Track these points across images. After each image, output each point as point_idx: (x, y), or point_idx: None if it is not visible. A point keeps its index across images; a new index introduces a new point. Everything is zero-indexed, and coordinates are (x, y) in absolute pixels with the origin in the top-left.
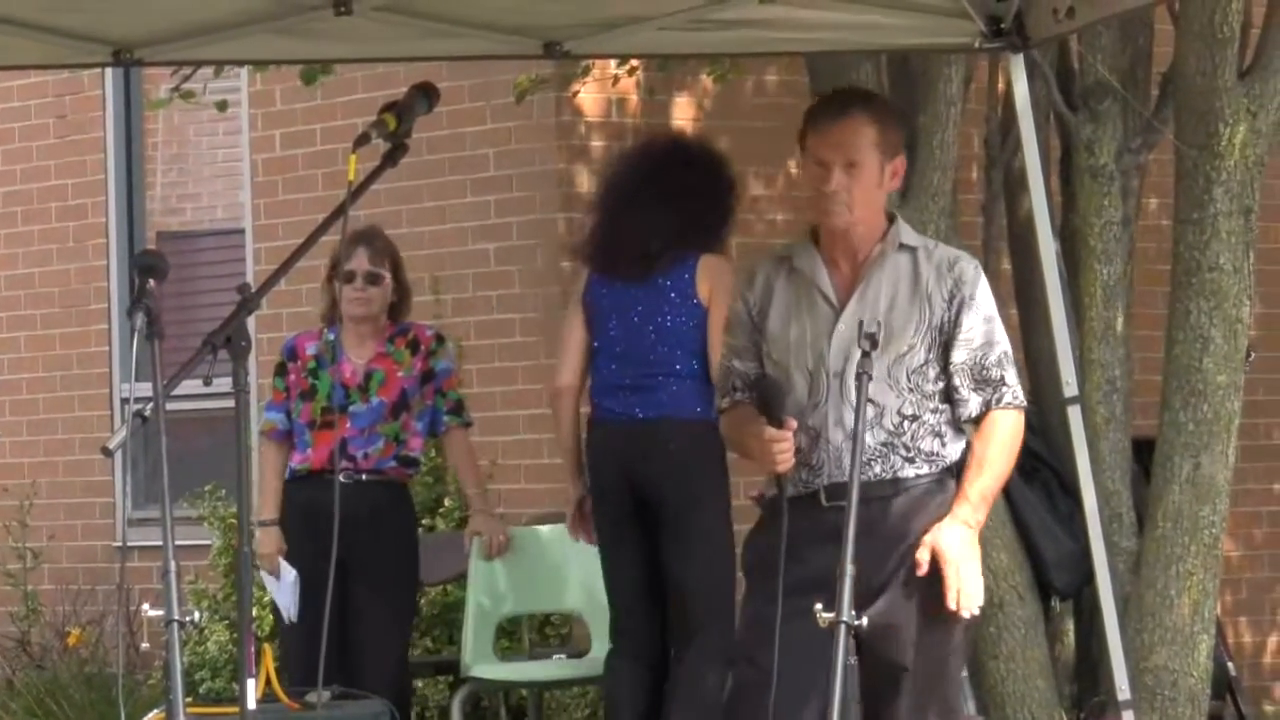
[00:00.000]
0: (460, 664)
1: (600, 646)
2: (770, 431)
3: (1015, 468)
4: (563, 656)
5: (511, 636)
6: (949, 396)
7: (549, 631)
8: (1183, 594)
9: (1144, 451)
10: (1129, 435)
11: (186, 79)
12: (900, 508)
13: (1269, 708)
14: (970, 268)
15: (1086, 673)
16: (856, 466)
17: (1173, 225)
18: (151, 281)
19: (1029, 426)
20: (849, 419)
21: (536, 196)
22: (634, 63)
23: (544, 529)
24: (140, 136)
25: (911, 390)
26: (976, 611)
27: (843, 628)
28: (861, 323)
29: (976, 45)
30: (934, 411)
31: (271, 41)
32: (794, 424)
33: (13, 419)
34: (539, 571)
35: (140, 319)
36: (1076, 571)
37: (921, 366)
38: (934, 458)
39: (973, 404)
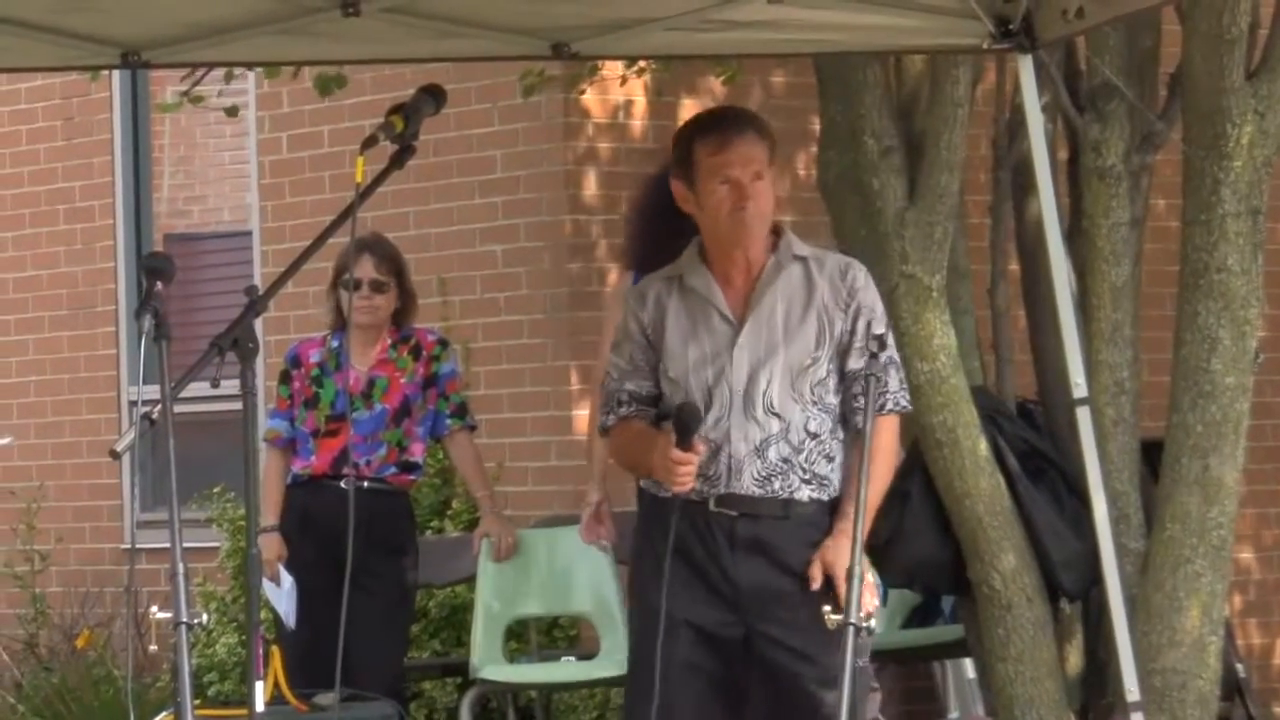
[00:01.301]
0: (469, 666)
1: (609, 648)
2: (677, 454)
3: (1024, 470)
4: (571, 659)
5: (520, 638)
6: (843, 406)
7: (557, 634)
8: (1191, 596)
9: (1152, 453)
10: (1137, 437)
11: (197, 83)
12: (787, 531)
13: (1279, 709)
14: (861, 274)
15: (1095, 675)
16: (864, 466)
17: (1180, 226)
18: (159, 284)
19: (1035, 427)
20: (753, 434)
21: (544, 198)
22: (641, 64)
23: (553, 531)
24: (147, 139)
25: (815, 403)
26: (872, 624)
27: (851, 630)
28: (870, 324)
29: (985, 46)
30: (831, 431)
31: (279, 43)
32: (702, 449)
33: (20, 421)
34: (547, 574)
35: (148, 321)
36: (1084, 571)
37: (824, 379)
38: (824, 483)
39: (880, 406)
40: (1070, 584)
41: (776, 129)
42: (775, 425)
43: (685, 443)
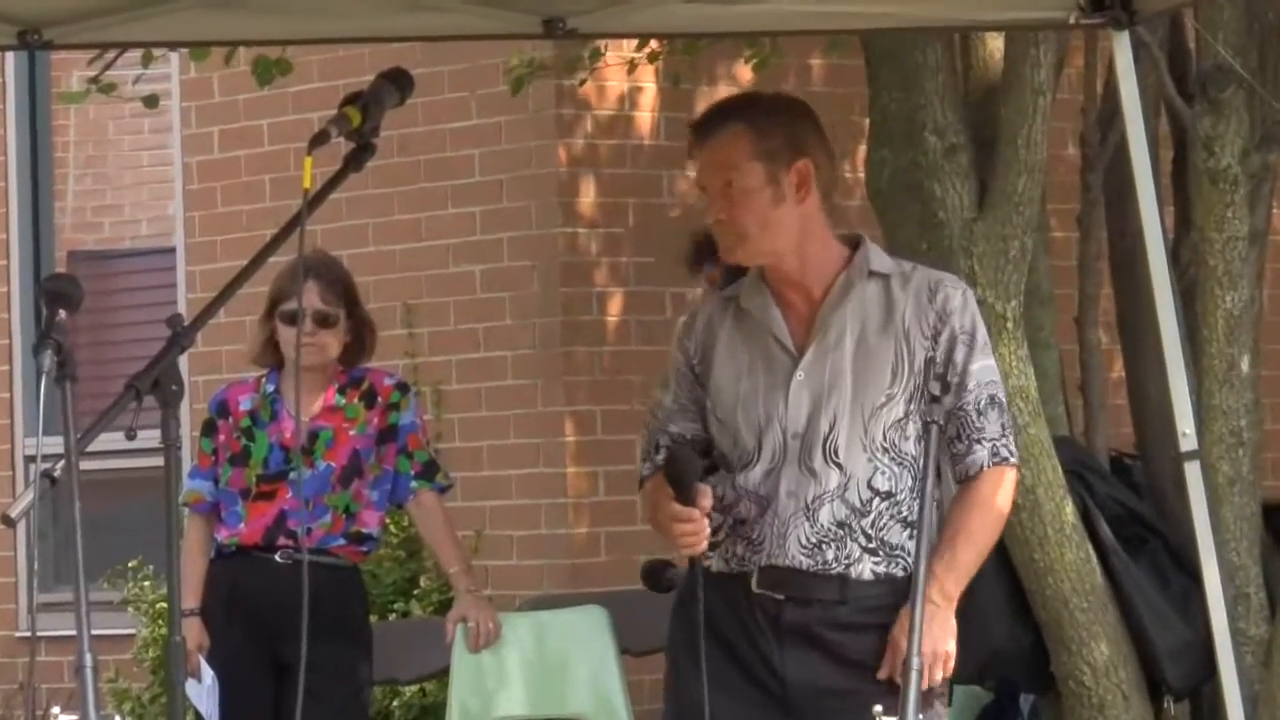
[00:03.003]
0: None
1: None
2: (675, 509)
3: (1119, 539)
4: None
5: None
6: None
7: None
8: None
9: (1275, 518)
10: (1258, 498)
11: (108, 66)
12: (843, 619)
13: None
14: (957, 294)
15: None
16: (925, 534)
17: None
18: (62, 312)
19: (1133, 486)
20: (804, 489)
21: (532, 207)
22: (654, 45)
23: (543, 615)
24: (47, 135)
25: (886, 451)
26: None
27: None
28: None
29: (1072, 21)
30: (911, 489)
31: (210, 19)
32: (707, 503)
33: None
34: (537, 666)
35: (48, 359)
36: (1194, 664)
37: (900, 421)
38: (896, 555)
39: (980, 457)
40: (1176, 678)
41: None
42: (834, 479)
43: (684, 496)
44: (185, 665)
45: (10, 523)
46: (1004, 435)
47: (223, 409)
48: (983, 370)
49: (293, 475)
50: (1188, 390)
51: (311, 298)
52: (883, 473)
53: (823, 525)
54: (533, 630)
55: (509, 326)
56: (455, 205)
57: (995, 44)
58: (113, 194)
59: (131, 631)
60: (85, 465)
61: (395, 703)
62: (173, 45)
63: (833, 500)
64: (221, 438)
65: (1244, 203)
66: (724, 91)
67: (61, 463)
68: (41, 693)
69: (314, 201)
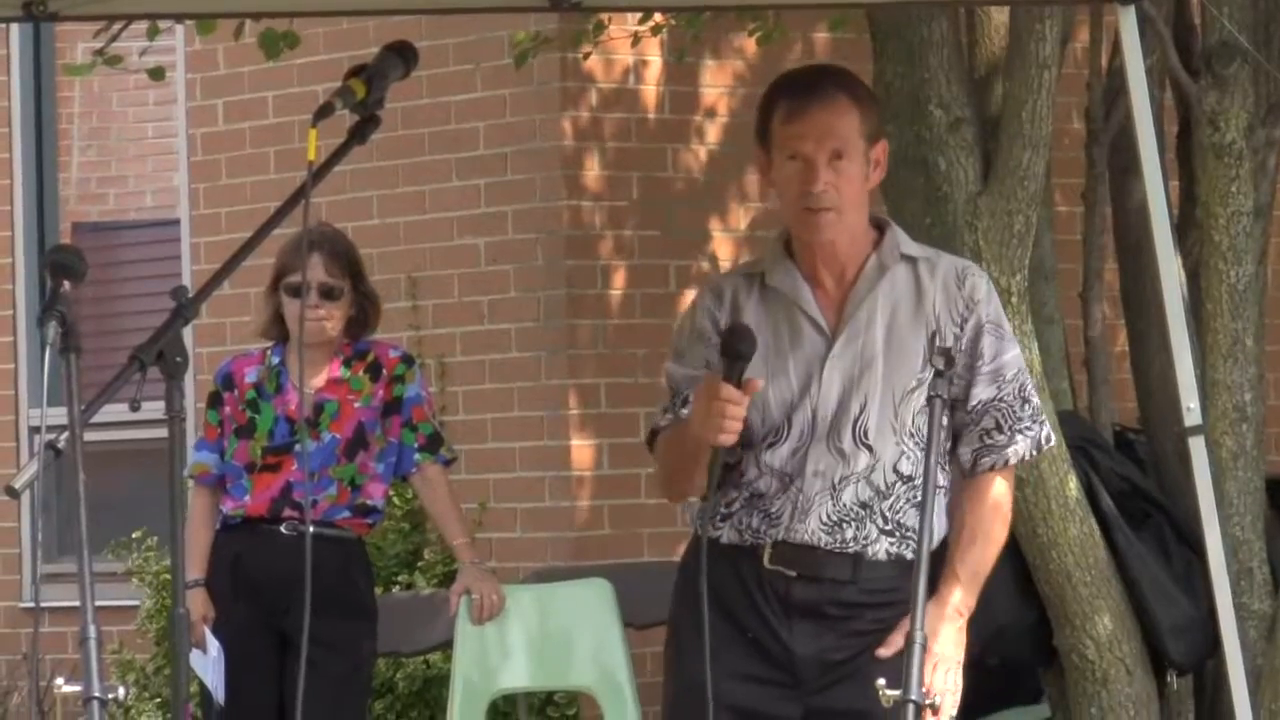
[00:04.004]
0: None
1: None
2: (730, 390)
3: (1123, 514)
4: None
5: (507, 718)
6: (962, 444)
7: (552, 712)
8: None
9: (1279, 493)
10: (1262, 473)
11: (114, 39)
12: (850, 598)
13: None
14: (983, 282)
15: None
16: (928, 514)
17: None
18: (66, 284)
19: (1136, 461)
20: (831, 468)
21: (537, 180)
22: (658, 18)
23: (547, 588)
24: (52, 107)
25: (912, 436)
26: (938, 701)
27: (911, 707)
28: (935, 335)
29: None
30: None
31: None
32: (758, 385)
33: None
34: (540, 639)
35: (53, 330)
36: (1197, 639)
37: (925, 407)
38: (910, 537)
39: (1021, 447)
40: (1179, 653)
41: None
42: (863, 461)
43: (733, 373)
44: (190, 636)
45: (14, 494)
46: (1043, 419)
47: (228, 381)
48: (1015, 359)
49: (298, 447)
50: (1192, 365)
51: (316, 271)
52: (907, 457)
53: (845, 504)
54: (536, 603)
55: (513, 299)
56: (460, 178)
57: (1000, 18)
58: (117, 166)
59: (135, 603)
60: (89, 436)
61: (399, 675)
62: (178, 17)
63: (858, 481)
64: (227, 410)
65: (1249, 178)
66: (729, 65)
67: (66, 434)
68: (45, 664)
69: (318, 174)
